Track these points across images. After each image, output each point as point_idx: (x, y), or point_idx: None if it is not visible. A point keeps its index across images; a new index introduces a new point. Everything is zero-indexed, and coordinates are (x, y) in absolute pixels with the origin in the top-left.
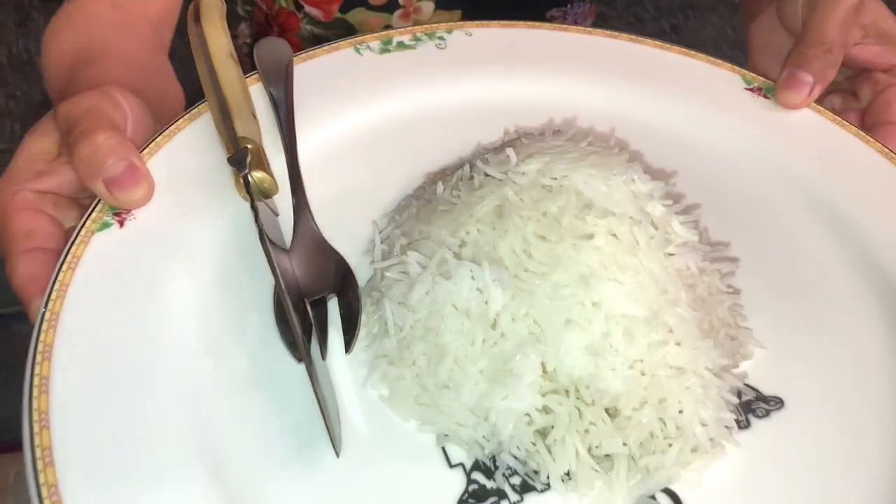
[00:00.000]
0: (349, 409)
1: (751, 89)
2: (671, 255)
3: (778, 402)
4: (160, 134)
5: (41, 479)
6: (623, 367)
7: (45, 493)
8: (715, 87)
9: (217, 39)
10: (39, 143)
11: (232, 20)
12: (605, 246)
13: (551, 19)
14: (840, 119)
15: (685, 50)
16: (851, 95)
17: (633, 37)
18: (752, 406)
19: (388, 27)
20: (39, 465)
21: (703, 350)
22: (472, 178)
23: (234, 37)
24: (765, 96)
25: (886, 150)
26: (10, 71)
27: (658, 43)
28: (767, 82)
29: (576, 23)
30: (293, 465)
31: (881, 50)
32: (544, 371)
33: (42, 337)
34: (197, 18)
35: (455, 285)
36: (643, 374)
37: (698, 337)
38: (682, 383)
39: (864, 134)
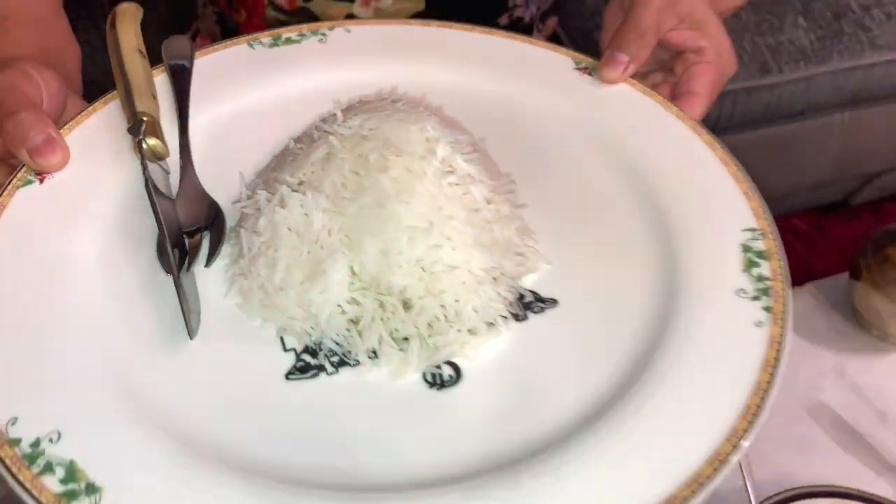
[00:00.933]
0: (210, 314)
1: (579, 69)
2: (455, 184)
3: (553, 303)
4: (80, 114)
5: None
6: (408, 265)
7: None
8: (547, 68)
9: (128, 37)
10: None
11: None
12: (398, 177)
13: (514, 6)
14: (649, 90)
15: (529, 38)
16: (670, 72)
17: (487, 29)
18: (531, 305)
19: (350, 16)
20: None
21: (477, 255)
22: (313, 135)
23: (199, 17)
24: (590, 74)
25: (681, 112)
26: None
27: (508, 34)
28: (593, 63)
29: (538, 9)
30: (160, 350)
31: (691, 34)
32: (353, 273)
33: None
34: (112, 24)
35: (288, 212)
36: (423, 270)
37: (472, 245)
38: (458, 279)
39: (666, 102)
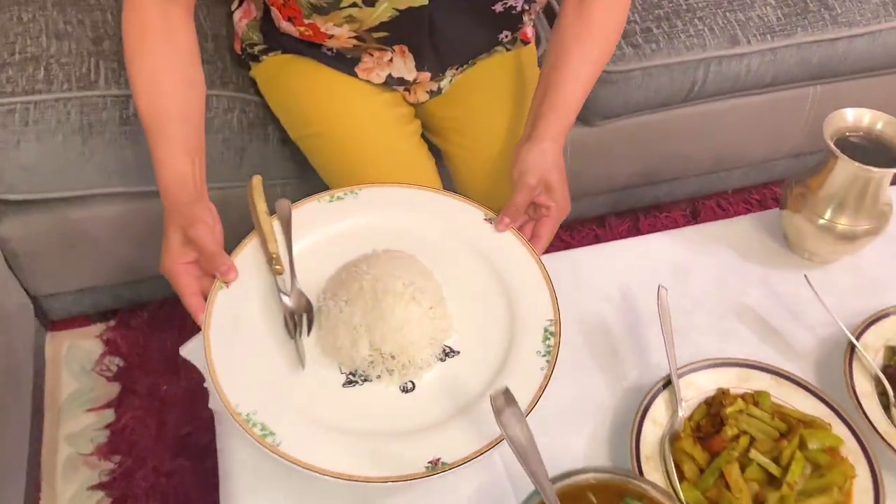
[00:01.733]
0: (308, 356)
1: (487, 220)
2: (416, 302)
3: (457, 353)
4: (238, 246)
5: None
6: (393, 340)
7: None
8: (468, 217)
9: (260, 203)
10: (175, 238)
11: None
12: (391, 302)
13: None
14: (518, 233)
15: (460, 197)
16: (532, 214)
17: (444, 192)
18: (449, 353)
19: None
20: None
21: (425, 333)
22: (352, 270)
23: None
24: (490, 222)
25: (531, 248)
26: None
27: (434, 189)
28: (493, 216)
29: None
30: (289, 371)
31: (544, 198)
32: (370, 343)
33: (204, 328)
34: (250, 192)
35: (341, 313)
36: (399, 342)
37: (423, 329)
38: (415, 346)
39: (525, 240)
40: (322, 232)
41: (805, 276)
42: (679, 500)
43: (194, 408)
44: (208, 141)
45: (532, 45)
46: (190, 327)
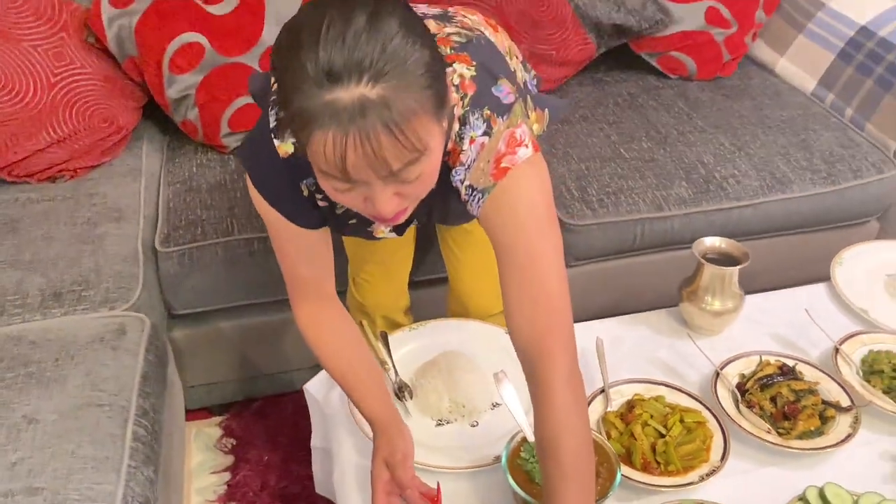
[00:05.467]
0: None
1: (506, 333)
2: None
3: (500, 404)
4: None
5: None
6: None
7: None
8: (486, 331)
9: (369, 333)
10: (379, 460)
11: None
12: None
13: None
14: None
15: (475, 320)
16: None
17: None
18: (496, 405)
19: None
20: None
21: (481, 387)
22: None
23: None
24: None
25: None
26: None
27: (467, 319)
28: None
29: None
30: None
31: None
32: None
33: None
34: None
35: (422, 391)
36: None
37: (481, 385)
38: (474, 394)
39: None
40: (409, 346)
41: (692, 338)
42: (608, 446)
43: (289, 472)
44: None
45: None
46: (288, 419)
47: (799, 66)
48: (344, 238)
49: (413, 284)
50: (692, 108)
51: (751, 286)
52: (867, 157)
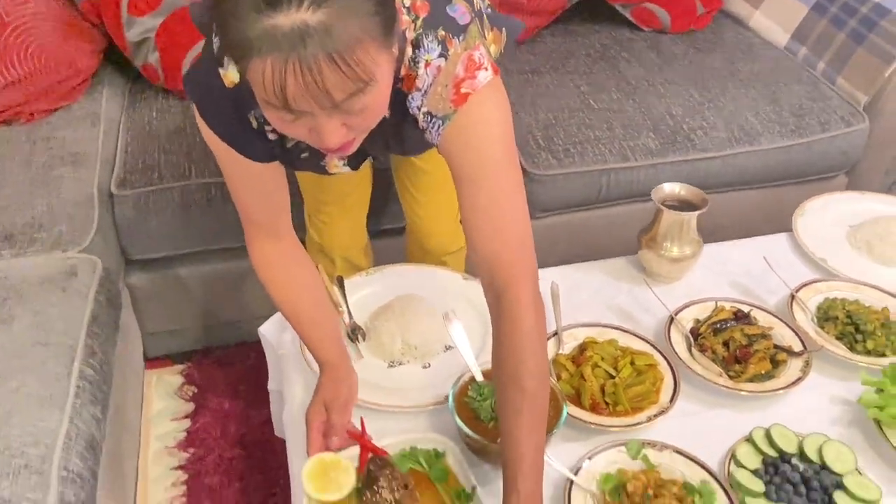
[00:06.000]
0: (363, 353)
1: (465, 279)
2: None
3: (453, 347)
4: None
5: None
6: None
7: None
8: (444, 276)
9: (324, 276)
10: (319, 400)
11: None
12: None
13: None
14: None
15: (434, 266)
16: None
17: (423, 266)
18: (449, 347)
19: None
20: None
21: (435, 329)
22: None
23: None
24: None
25: None
26: None
27: (425, 265)
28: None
29: None
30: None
31: None
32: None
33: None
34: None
35: (382, 327)
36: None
37: (435, 327)
38: (428, 336)
39: None
40: (366, 290)
41: (649, 285)
42: (555, 385)
43: (248, 418)
44: None
45: None
46: (249, 367)
47: (773, 19)
48: (298, 176)
49: (374, 234)
50: (664, 60)
51: (716, 240)
52: (836, 110)
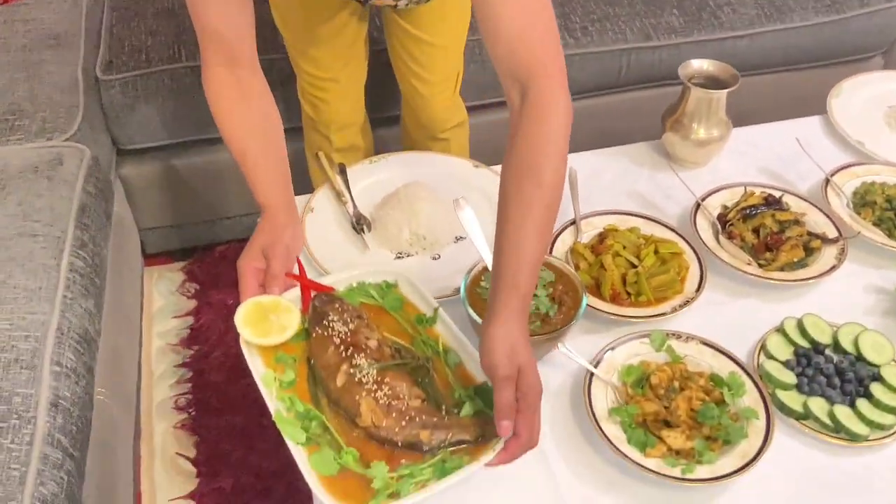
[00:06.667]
0: (369, 245)
1: (475, 166)
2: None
3: (464, 238)
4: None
5: None
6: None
7: None
8: (454, 165)
9: (327, 165)
10: (256, 246)
11: None
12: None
13: None
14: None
15: (443, 153)
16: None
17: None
18: (459, 238)
19: None
20: None
21: (444, 218)
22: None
23: None
24: None
25: None
26: None
27: (433, 152)
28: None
29: None
30: (356, 255)
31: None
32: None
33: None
34: (316, 160)
35: (391, 214)
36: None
37: (444, 215)
38: (436, 225)
39: None
40: (370, 179)
41: (674, 170)
42: (574, 274)
43: None
44: None
45: None
46: None
47: None
48: (288, 41)
49: (373, 122)
50: None
51: (743, 125)
52: None
